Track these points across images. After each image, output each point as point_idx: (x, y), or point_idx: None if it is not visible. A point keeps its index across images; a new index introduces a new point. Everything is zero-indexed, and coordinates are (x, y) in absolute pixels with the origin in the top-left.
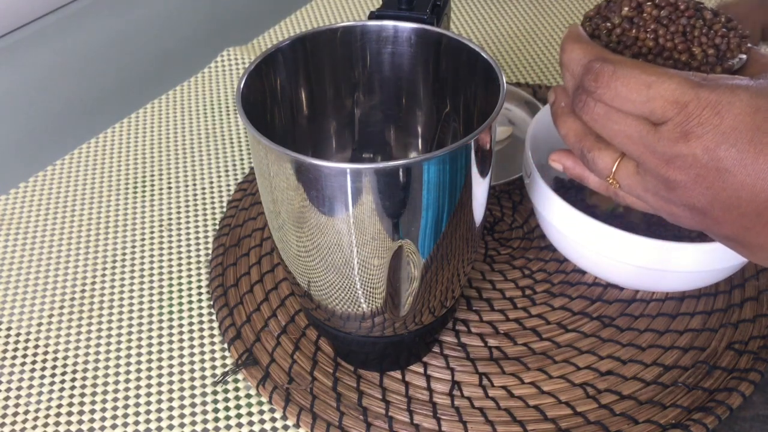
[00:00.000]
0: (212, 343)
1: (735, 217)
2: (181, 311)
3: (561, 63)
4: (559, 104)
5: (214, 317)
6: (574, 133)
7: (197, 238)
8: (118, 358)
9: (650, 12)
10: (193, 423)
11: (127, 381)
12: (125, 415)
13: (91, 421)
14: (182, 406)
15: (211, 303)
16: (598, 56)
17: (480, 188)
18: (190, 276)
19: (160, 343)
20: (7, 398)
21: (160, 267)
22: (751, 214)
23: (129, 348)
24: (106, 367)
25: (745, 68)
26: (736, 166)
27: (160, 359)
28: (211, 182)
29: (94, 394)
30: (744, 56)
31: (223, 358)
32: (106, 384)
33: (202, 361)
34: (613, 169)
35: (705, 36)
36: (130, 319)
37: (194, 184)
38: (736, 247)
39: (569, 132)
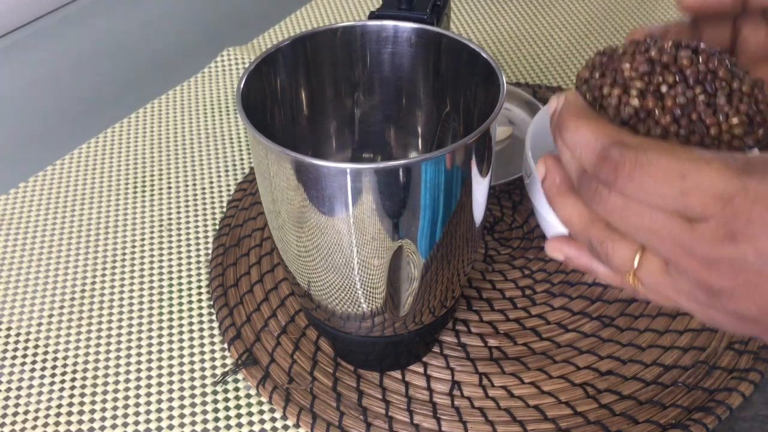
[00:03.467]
0: (212, 343)
1: None
2: (181, 311)
3: (560, 139)
4: (553, 181)
5: (214, 317)
6: (579, 220)
7: (197, 238)
8: (118, 358)
9: (668, 79)
10: (193, 423)
11: (127, 381)
12: (125, 415)
13: (91, 421)
14: (182, 406)
15: (211, 303)
16: (615, 140)
17: (480, 188)
18: (190, 276)
19: (160, 343)
20: (7, 398)
21: (160, 267)
22: None
23: (129, 348)
24: (106, 367)
25: None
26: None
27: (160, 359)
28: (211, 182)
29: (94, 394)
30: None
31: (223, 358)
32: (106, 384)
33: (202, 361)
34: (634, 265)
35: (731, 100)
36: (130, 319)
37: (194, 184)
38: None
39: (572, 217)
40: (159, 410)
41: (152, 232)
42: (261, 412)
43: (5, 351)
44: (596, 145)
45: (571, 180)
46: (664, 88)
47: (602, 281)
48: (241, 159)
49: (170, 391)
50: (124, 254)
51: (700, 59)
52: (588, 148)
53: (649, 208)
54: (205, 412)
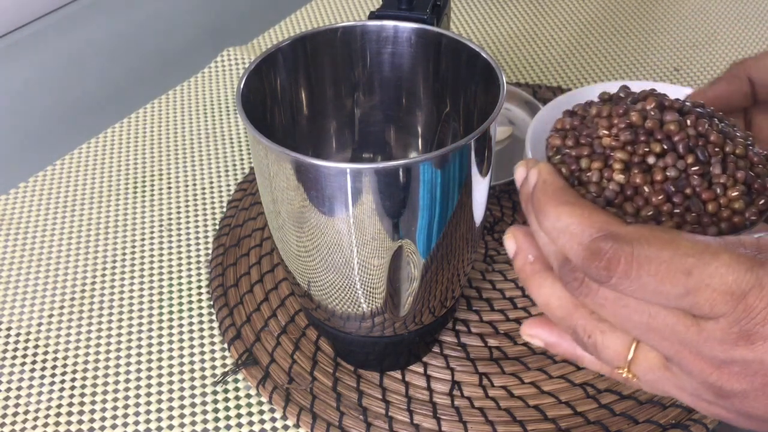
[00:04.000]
0: (212, 343)
1: None
2: (181, 311)
3: (537, 224)
4: (525, 260)
5: (214, 317)
6: (560, 306)
7: (197, 238)
8: (118, 358)
9: (655, 149)
10: (193, 423)
11: (127, 381)
12: (125, 415)
13: (91, 421)
14: (182, 406)
15: (211, 303)
16: (605, 232)
17: (480, 188)
18: (190, 276)
19: (160, 343)
20: (7, 398)
21: (160, 267)
22: None
23: (129, 348)
24: (106, 367)
25: None
26: None
27: (160, 359)
28: (211, 182)
29: (94, 394)
30: None
31: (223, 358)
32: (106, 384)
33: (202, 361)
34: (629, 359)
35: (726, 168)
36: (130, 319)
37: (194, 184)
38: None
39: (551, 303)
40: (159, 410)
41: (152, 232)
42: (261, 412)
43: (5, 351)
44: (582, 238)
45: (547, 259)
46: (651, 159)
47: (594, 371)
48: (241, 159)
49: (170, 391)
50: (124, 254)
51: (689, 122)
52: (573, 239)
53: (647, 303)
54: (205, 412)
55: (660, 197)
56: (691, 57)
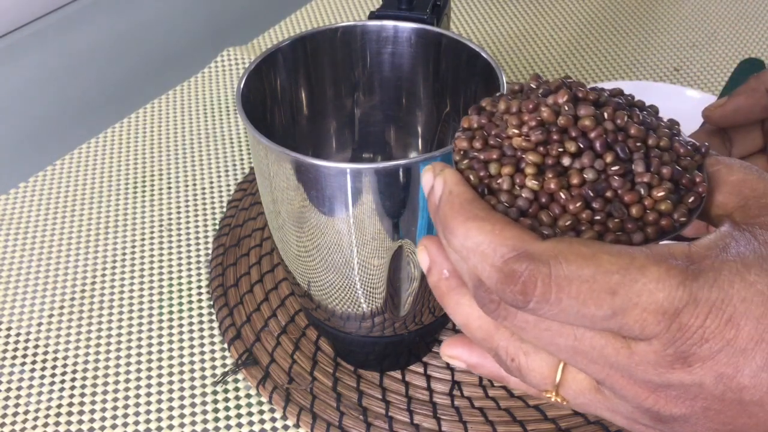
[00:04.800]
0: (212, 343)
1: None
2: (181, 311)
3: (444, 240)
4: (439, 274)
5: (214, 317)
6: (480, 327)
7: (197, 238)
8: (118, 358)
9: (570, 148)
10: (193, 423)
11: (127, 381)
12: (125, 415)
13: (91, 421)
14: (182, 406)
15: (211, 303)
16: (518, 251)
17: None
18: (190, 276)
19: (160, 343)
20: (7, 398)
21: (160, 267)
22: None
23: (129, 348)
24: (106, 367)
25: (715, 193)
26: None
27: (160, 359)
28: (211, 182)
29: (94, 394)
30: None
31: (223, 358)
32: (106, 384)
33: (202, 361)
34: (556, 382)
35: (649, 165)
36: (130, 319)
37: (194, 184)
38: None
39: (469, 323)
40: (159, 410)
41: (152, 232)
42: (261, 412)
43: (5, 351)
44: (494, 259)
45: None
46: (566, 161)
47: (521, 392)
48: (241, 159)
49: (170, 391)
50: (124, 254)
51: (606, 115)
52: (484, 261)
53: (571, 326)
54: (205, 412)
55: (578, 204)
56: (691, 57)
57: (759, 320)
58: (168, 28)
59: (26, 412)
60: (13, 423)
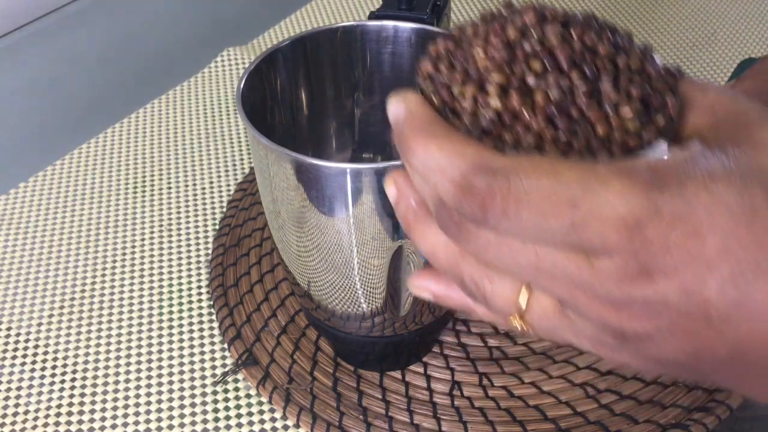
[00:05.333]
0: (212, 343)
1: (737, 370)
2: (181, 311)
3: (406, 162)
4: (407, 204)
5: (214, 317)
6: (446, 255)
7: (197, 238)
8: (118, 358)
9: (535, 66)
10: (193, 423)
11: (127, 381)
12: (125, 415)
13: (91, 421)
14: (182, 406)
15: (211, 303)
16: (477, 165)
17: None
18: (190, 276)
19: (160, 343)
20: (7, 398)
21: (160, 267)
22: (764, 365)
23: (129, 348)
24: (106, 367)
25: (688, 114)
26: (738, 310)
27: (160, 359)
28: (211, 182)
29: (94, 394)
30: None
31: (223, 358)
32: (106, 384)
33: (202, 361)
34: (521, 307)
35: (618, 84)
36: (130, 319)
37: (194, 184)
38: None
39: (436, 251)
40: (159, 410)
41: (152, 232)
42: (261, 412)
43: (5, 351)
44: (453, 173)
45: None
46: (531, 80)
47: (487, 322)
48: (241, 159)
49: (170, 391)
50: (124, 254)
51: (574, 34)
52: (443, 176)
53: (532, 243)
54: (205, 412)
55: (541, 121)
56: (691, 57)
57: (725, 233)
58: (168, 28)
59: (26, 412)
60: (13, 423)
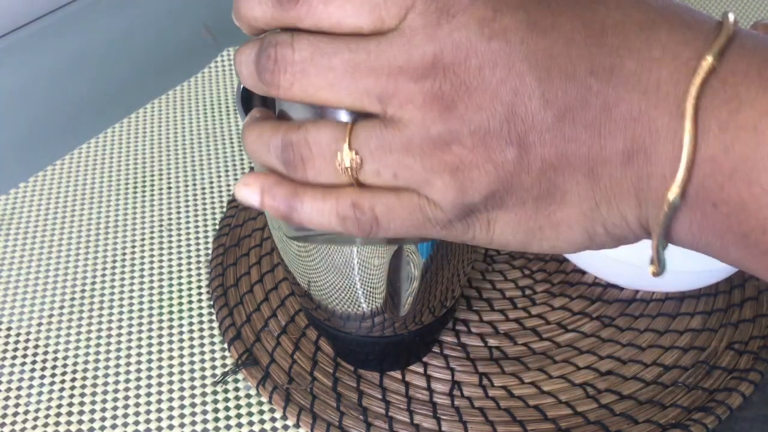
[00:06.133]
0: (212, 343)
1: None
2: (181, 311)
3: (237, 20)
4: (253, 116)
5: (214, 317)
6: (269, 125)
7: (197, 238)
8: (118, 358)
9: None
10: (193, 423)
11: (127, 381)
12: (125, 415)
13: (91, 421)
14: (182, 406)
15: (211, 303)
16: None
17: None
18: (190, 276)
19: (160, 343)
20: (7, 398)
21: (160, 267)
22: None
23: (129, 348)
24: (106, 367)
25: None
26: (564, 23)
27: (160, 359)
28: (211, 182)
29: (94, 394)
30: None
31: (223, 358)
32: (106, 384)
33: (202, 361)
34: (347, 139)
35: None
36: (130, 319)
37: (194, 184)
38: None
39: (257, 134)
40: (159, 410)
41: (152, 232)
42: (261, 412)
43: (5, 351)
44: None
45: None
46: None
47: (318, 225)
48: (241, 159)
49: (170, 391)
50: (124, 254)
51: None
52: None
53: (344, 40)
54: (205, 412)
55: None
56: None
57: None
58: (168, 28)
59: (26, 412)
60: (13, 423)
